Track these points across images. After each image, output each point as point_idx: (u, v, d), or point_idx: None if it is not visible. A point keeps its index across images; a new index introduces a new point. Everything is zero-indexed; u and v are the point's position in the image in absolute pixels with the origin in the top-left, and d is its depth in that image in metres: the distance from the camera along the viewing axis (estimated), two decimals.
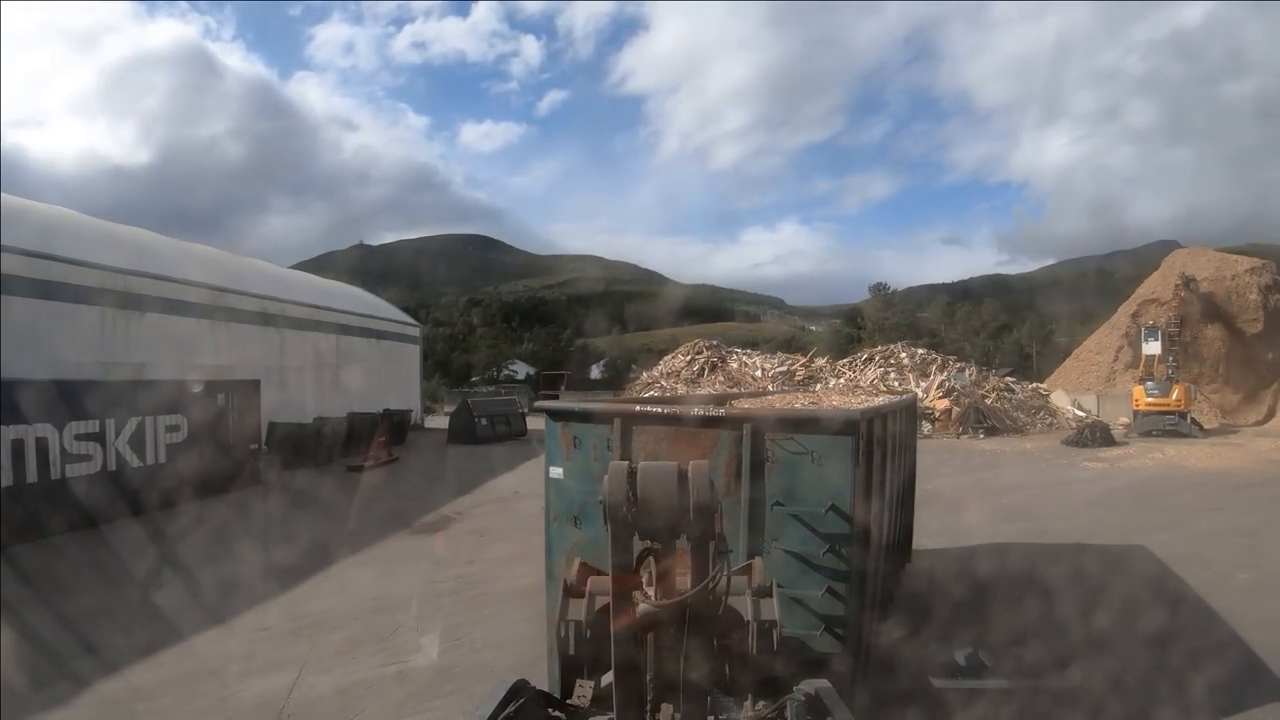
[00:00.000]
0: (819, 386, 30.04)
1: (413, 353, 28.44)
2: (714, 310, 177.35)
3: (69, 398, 10.49)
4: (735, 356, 34.35)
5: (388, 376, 24.81)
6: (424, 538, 10.48)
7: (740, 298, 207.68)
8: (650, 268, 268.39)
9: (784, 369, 32.27)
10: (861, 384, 29.41)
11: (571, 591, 2.64)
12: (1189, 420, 24.31)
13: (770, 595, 2.56)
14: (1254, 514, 11.88)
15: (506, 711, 2.22)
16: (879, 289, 64.55)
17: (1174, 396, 24.34)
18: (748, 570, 2.73)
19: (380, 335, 25.01)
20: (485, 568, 8.67)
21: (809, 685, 2.37)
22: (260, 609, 7.05)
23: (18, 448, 9.56)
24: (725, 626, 2.45)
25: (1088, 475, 17.12)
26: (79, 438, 10.38)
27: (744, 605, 2.50)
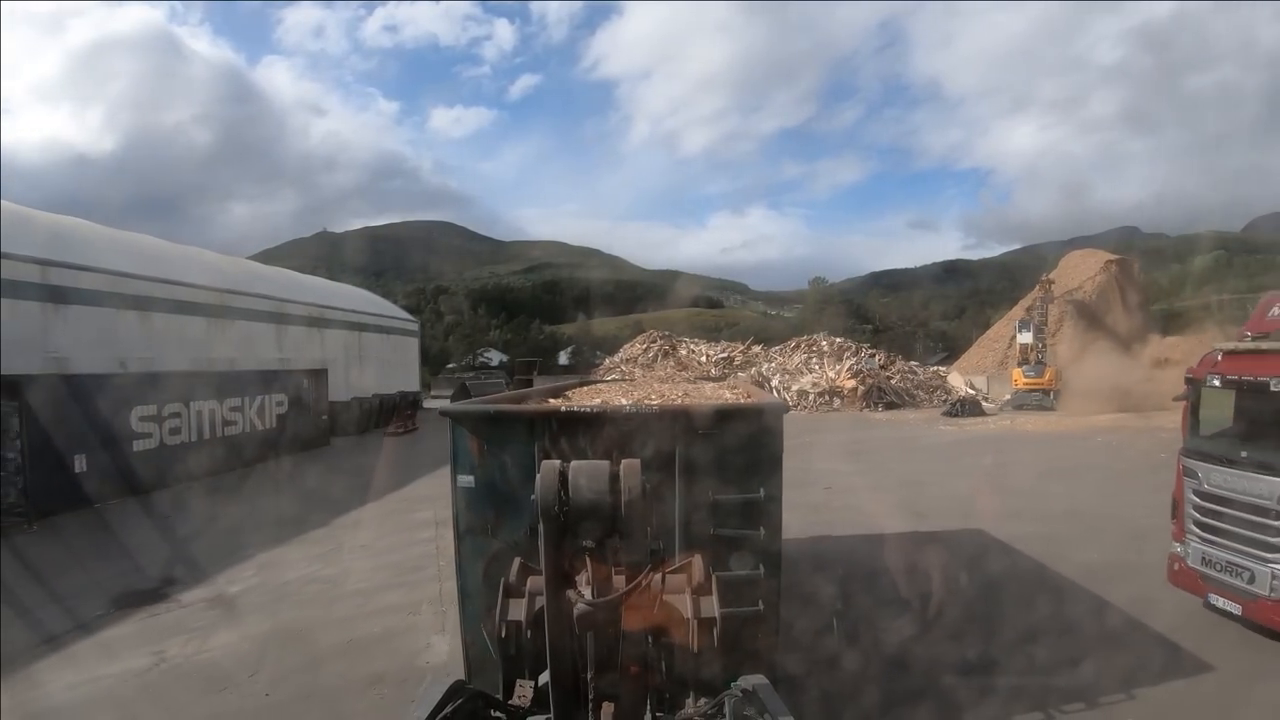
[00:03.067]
0: (753, 370, 36.01)
1: (413, 344, 33.63)
2: (676, 296, 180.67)
3: (224, 383, 15.70)
4: (684, 344, 40.18)
5: (395, 364, 29.90)
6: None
7: (705, 283, 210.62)
8: (615, 253, 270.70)
9: (724, 355, 38.10)
10: (788, 366, 35.44)
11: (511, 591, 2.61)
12: (1051, 396, 30.22)
13: (710, 593, 2.55)
14: (1016, 453, 17.89)
15: (445, 711, 2.25)
16: (817, 282, 70.63)
17: (1046, 377, 30.32)
18: (687, 568, 2.69)
19: (388, 330, 30.07)
20: None
21: (746, 681, 2.40)
22: (388, 497, 12.54)
23: (200, 416, 14.75)
24: (664, 624, 2.47)
25: (937, 435, 23.15)
26: (230, 409, 15.59)
27: (683, 603, 2.50)
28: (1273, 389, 5.88)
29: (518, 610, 2.57)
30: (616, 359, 40.13)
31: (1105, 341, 35.31)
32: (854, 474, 14.75)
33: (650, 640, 2.50)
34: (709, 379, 20.52)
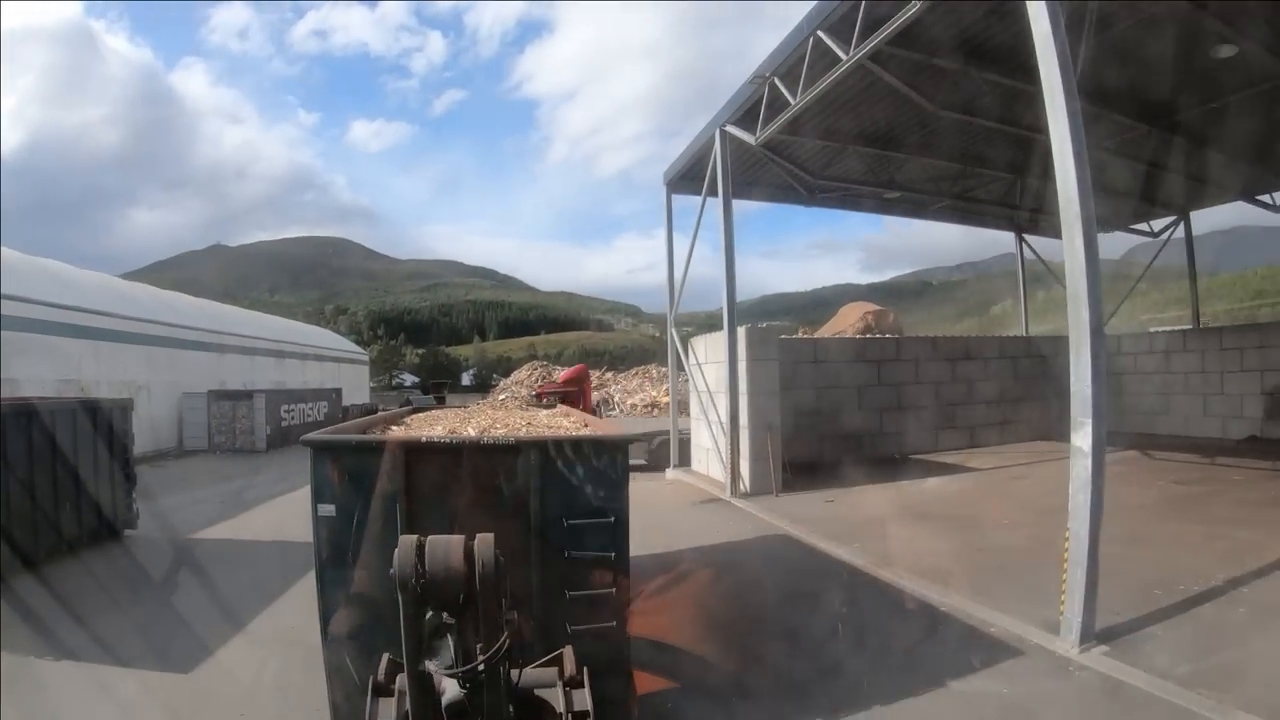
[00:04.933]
0: (604, 390, 51.28)
1: (365, 370, 47.01)
2: (569, 319, 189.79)
3: (293, 397, 29.24)
4: (558, 372, 55.18)
5: (355, 385, 43.17)
6: None
7: (597, 305, 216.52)
8: (511, 274, 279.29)
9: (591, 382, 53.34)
10: (628, 389, 51.07)
11: (380, 690, 2.58)
12: None
13: (583, 686, 2.57)
14: None
15: None
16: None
17: None
18: (559, 660, 2.67)
19: (350, 361, 43.34)
20: None
21: None
22: None
23: (290, 414, 28.11)
24: (536, 716, 2.46)
25: None
26: (286, 410, 29.03)
27: (555, 697, 2.49)
28: None
29: (387, 711, 2.59)
30: (508, 381, 54.34)
31: None
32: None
33: None
34: (541, 406, 31.39)
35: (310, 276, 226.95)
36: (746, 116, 12.92)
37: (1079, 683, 5.29)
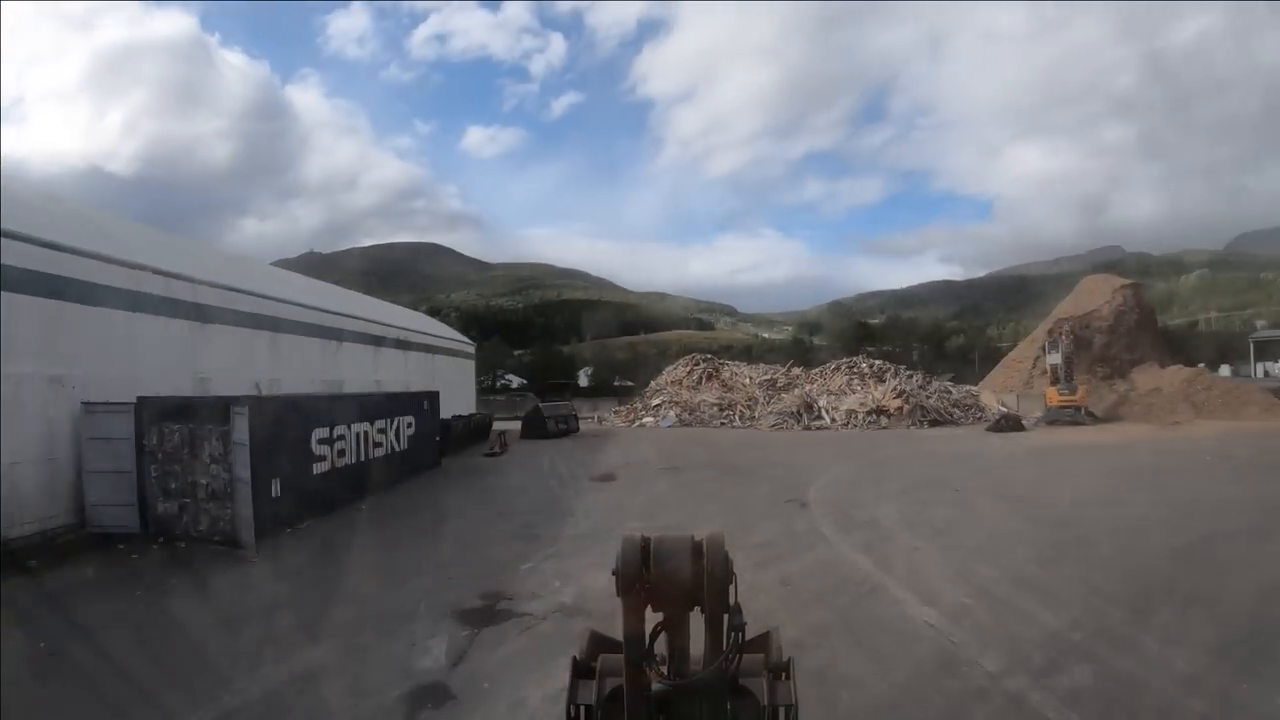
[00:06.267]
0: (795, 392, 37.12)
1: (471, 367, 34.24)
2: (666, 318, 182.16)
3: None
4: (727, 367, 41.18)
5: (459, 385, 30.47)
6: (605, 482, 16.65)
7: (691, 305, 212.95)
8: (601, 274, 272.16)
9: (767, 378, 39.09)
10: (830, 387, 36.48)
11: (580, 670, 2.49)
12: (1084, 412, 31.87)
13: (789, 676, 2.41)
14: (1083, 460, 19.00)
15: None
16: (835, 306, 72.31)
17: (1079, 394, 32.10)
18: (764, 643, 2.51)
19: (453, 353, 30.66)
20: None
21: None
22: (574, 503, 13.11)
23: (358, 438, 15.22)
24: (739, 707, 2.33)
25: (1001, 446, 24.30)
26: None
27: (759, 687, 2.35)
28: None
29: (587, 693, 2.44)
30: (662, 380, 40.88)
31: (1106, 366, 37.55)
32: (970, 478, 15.85)
33: None
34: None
35: (401, 280, 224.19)
36: None
37: None
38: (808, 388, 37.35)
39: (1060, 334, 36.04)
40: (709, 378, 39.06)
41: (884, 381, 36.65)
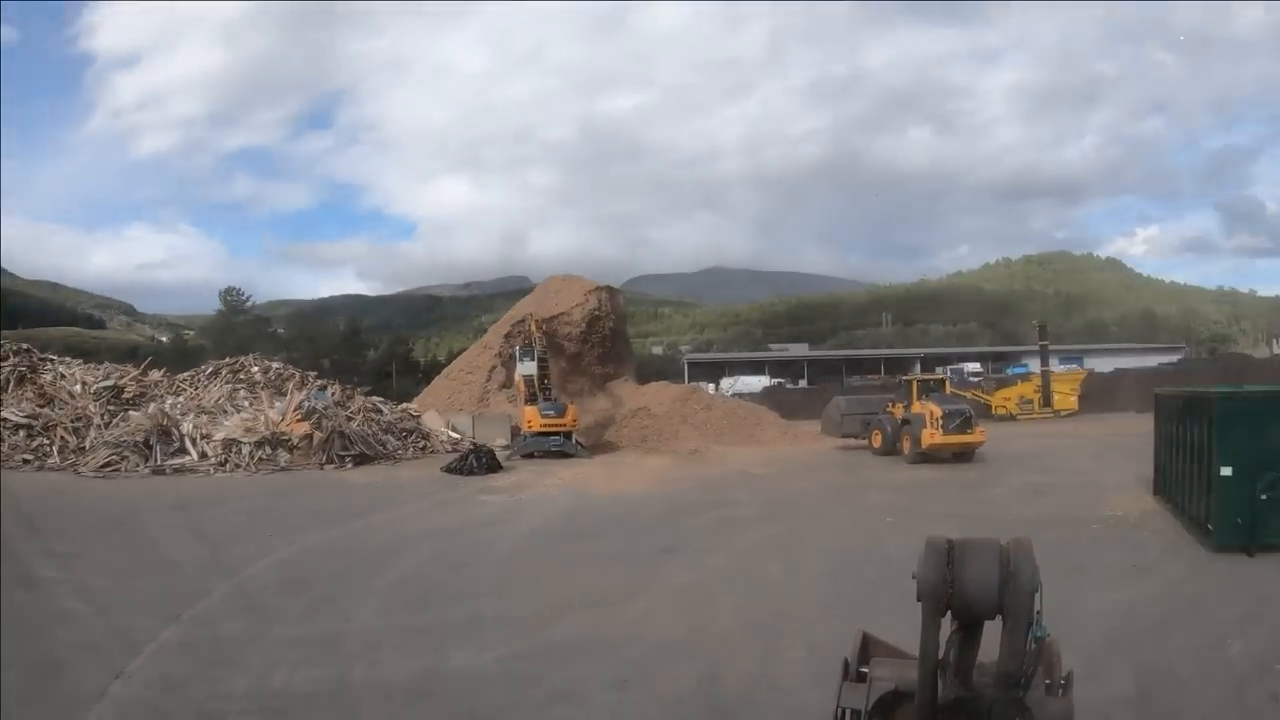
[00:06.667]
0: (151, 407, 21.15)
1: None
2: (55, 312, 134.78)
3: None
4: (55, 365, 22.71)
5: None
6: None
7: (85, 300, 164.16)
8: None
9: (109, 383, 21.92)
10: (204, 403, 21.62)
11: (850, 674, 2.43)
12: (574, 440, 23.99)
13: (1069, 689, 2.25)
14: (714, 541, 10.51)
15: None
16: (230, 294, 54.73)
17: (568, 417, 23.90)
18: (1045, 654, 2.30)
19: None
20: None
21: None
22: None
23: None
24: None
25: (491, 512, 14.38)
26: None
27: (1037, 703, 2.19)
28: None
29: (857, 697, 2.37)
30: None
31: (582, 379, 32.17)
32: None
33: None
34: None
35: None
36: None
37: None
38: (170, 401, 21.68)
39: (531, 335, 28.34)
40: (20, 381, 20.31)
41: (286, 395, 23.57)
